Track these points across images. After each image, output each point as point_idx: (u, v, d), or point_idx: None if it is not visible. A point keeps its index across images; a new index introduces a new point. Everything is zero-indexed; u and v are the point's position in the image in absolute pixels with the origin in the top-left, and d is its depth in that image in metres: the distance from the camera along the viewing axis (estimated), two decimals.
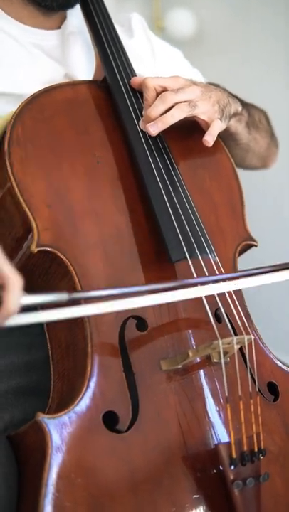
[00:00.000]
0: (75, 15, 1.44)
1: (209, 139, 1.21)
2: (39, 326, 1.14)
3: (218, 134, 1.27)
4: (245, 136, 1.42)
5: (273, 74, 2.45)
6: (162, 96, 1.17)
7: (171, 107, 1.17)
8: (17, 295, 0.85)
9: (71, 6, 1.38)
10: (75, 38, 1.41)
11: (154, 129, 1.17)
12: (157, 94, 1.19)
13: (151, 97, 1.19)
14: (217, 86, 1.33)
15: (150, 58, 1.49)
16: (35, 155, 1.12)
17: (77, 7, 1.42)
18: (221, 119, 1.26)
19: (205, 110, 1.21)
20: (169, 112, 1.17)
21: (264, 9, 2.46)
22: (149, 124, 1.17)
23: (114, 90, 1.24)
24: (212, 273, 1.11)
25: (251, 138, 1.45)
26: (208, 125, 1.23)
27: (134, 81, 1.25)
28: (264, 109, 1.55)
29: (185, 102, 1.18)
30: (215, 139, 1.23)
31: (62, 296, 0.89)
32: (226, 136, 1.37)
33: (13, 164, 1.08)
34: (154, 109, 1.17)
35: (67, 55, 1.39)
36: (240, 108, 1.34)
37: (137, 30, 1.51)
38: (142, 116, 1.20)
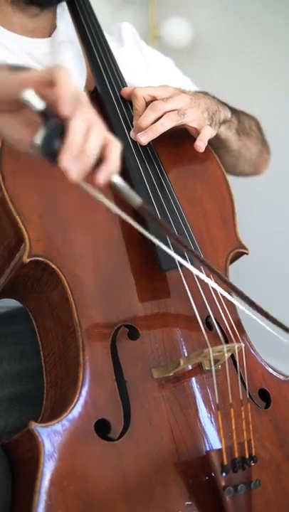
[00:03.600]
0: (66, 24, 1.45)
1: (201, 144, 1.22)
2: (32, 334, 1.15)
3: (209, 142, 1.27)
4: (235, 143, 1.43)
5: (269, 82, 2.46)
6: (152, 105, 1.19)
7: (162, 116, 1.18)
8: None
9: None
10: (65, 46, 1.42)
11: (144, 139, 1.18)
12: (147, 104, 1.21)
13: (140, 106, 1.20)
14: (206, 94, 1.34)
15: (141, 67, 1.50)
16: (26, 165, 1.12)
17: (68, 17, 1.43)
18: (210, 126, 1.26)
19: (194, 118, 1.22)
20: (159, 121, 1.18)
21: (260, 17, 2.47)
22: (139, 133, 1.18)
23: (105, 100, 1.25)
24: (202, 281, 1.11)
25: (242, 144, 1.46)
26: (198, 132, 1.24)
27: (124, 91, 1.26)
28: (255, 116, 1.56)
29: (174, 110, 1.19)
30: (206, 144, 1.24)
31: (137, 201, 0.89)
32: (216, 144, 1.38)
33: (4, 174, 1.09)
34: (144, 119, 1.18)
35: (57, 62, 1.40)
36: (229, 115, 1.35)
37: (128, 39, 1.51)
38: (132, 126, 1.21)
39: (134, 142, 1.20)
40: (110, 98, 1.25)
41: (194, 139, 1.25)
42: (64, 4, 1.42)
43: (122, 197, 0.88)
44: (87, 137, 0.82)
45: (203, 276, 1.04)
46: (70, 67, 1.40)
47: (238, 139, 1.42)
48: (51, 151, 0.81)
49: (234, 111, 1.40)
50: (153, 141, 1.21)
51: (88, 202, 1.13)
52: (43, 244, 1.06)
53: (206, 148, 1.27)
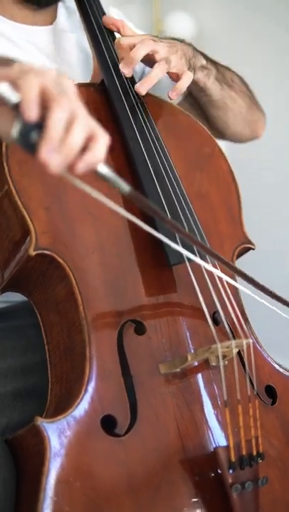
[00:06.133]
0: (64, 14, 1.45)
1: (177, 91, 1.26)
2: (36, 328, 1.14)
3: (190, 91, 1.32)
4: (217, 92, 1.44)
5: (273, 76, 2.45)
6: (144, 41, 1.22)
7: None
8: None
9: (57, 0, 1.39)
10: (66, 35, 1.42)
11: (142, 89, 1.22)
12: None
13: (126, 54, 1.23)
14: (182, 41, 1.35)
15: None
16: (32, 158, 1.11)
17: (74, 9, 1.42)
18: (189, 70, 1.29)
19: (175, 64, 1.25)
20: (152, 72, 1.22)
21: (263, 12, 2.46)
22: (137, 85, 1.22)
23: (112, 92, 1.23)
24: (210, 276, 1.11)
25: (226, 95, 1.46)
26: (179, 77, 1.26)
27: (105, 20, 1.32)
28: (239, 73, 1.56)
29: (162, 58, 1.22)
30: (183, 90, 1.27)
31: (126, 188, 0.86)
32: (197, 93, 1.41)
33: (10, 166, 1.08)
34: (137, 52, 1.21)
35: (58, 51, 1.40)
36: (204, 62, 1.37)
37: None
38: (143, 120, 1.21)
39: (143, 136, 1.19)
40: (117, 90, 1.23)
41: (200, 134, 1.26)
42: None
43: (110, 185, 0.85)
44: (70, 128, 0.79)
45: (210, 268, 1.04)
46: (73, 56, 1.40)
47: (219, 88, 1.43)
48: (29, 144, 0.79)
49: (211, 60, 1.42)
50: (161, 134, 1.21)
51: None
52: (49, 237, 1.05)
53: (213, 143, 1.27)
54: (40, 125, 0.79)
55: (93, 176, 0.84)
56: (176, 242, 1.09)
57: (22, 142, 0.79)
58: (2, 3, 1.37)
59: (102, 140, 0.82)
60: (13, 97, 0.79)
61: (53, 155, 0.78)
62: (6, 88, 0.79)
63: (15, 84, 0.79)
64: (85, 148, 0.81)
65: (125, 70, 1.23)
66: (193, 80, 1.31)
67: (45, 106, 0.79)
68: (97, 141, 0.82)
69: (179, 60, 1.26)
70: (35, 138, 0.78)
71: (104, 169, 0.84)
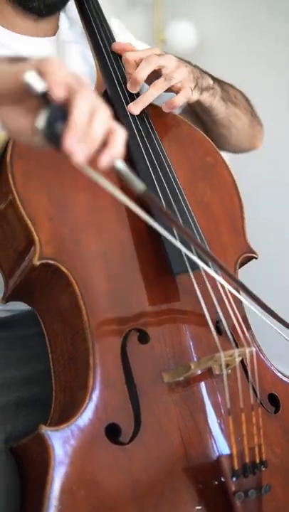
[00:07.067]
0: (68, 26, 1.46)
1: (169, 105, 1.25)
2: (40, 337, 1.14)
3: (195, 111, 1.31)
4: (222, 111, 1.44)
5: (275, 86, 2.46)
6: (148, 58, 1.22)
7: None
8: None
9: (58, 9, 1.40)
10: (69, 46, 1.43)
11: (134, 108, 1.21)
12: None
13: (133, 69, 1.24)
14: (189, 63, 1.35)
15: None
16: (37, 168, 1.12)
17: (77, 19, 1.43)
18: (194, 89, 1.29)
19: (181, 79, 1.25)
20: (147, 92, 1.21)
21: (265, 21, 2.47)
22: (130, 104, 1.21)
23: (115, 102, 1.24)
24: (214, 285, 1.11)
25: (231, 113, 1.47)
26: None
27: (115, 47, 1.31)
28: (241, 90, 1.56)
29: (167, 73, 1.22)
30: (177, 107, 1.27)
31: (141, 186, 0.85)
32: (202, 112, 1.41)
33: (15, 177, 1.08)
34: (141, 72, 1.21)
35: (64, 62, 1.40)
36: (211, 82, 1.37)
37: (116, 35, 1.51)
38: (143, 131, 1.21)
39: (146, 147, 1.19)
40: (121, 101, 1.24)
41: (202, 143, 1.26)
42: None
43: (125, 183, 0.85)
44: (92, 119, 0.80)
45: (212, 273, 1.05)
46: (77, 67, 1.40)
47: (224, 106, 1.43)
48: (55, 133, 0.79)
49: (216, 79, 1.42)
50: (163, 144, 1.22)
51: (98, 204, 1.13)
52: (53, 247, 1.06)
53: (216, 153, 1.27)
54: (65, 116, 0.79)
55: (110, 174, 0.85)
56: (180, 252, 1.10)
57: (48, 132, 0.80)
58: (4, 14, 1.38)
59: (121, 133, 0.83)
60: (39, 85, 0.80)
61: (78, 146, 0.78)
62: (34, 75, 0.80)
63: (41, 72, 0.80)
64: (105, 143, 0.82)
65: (133, 91, 1.24)
66: (198, 100, 1.32)
67: (68, 98, 0.80)
68: (116, 134, 0.83)
69: (187, 75, 1.26)
70: (60, 128, 0.79)
71: (121, 165, 0.84)
